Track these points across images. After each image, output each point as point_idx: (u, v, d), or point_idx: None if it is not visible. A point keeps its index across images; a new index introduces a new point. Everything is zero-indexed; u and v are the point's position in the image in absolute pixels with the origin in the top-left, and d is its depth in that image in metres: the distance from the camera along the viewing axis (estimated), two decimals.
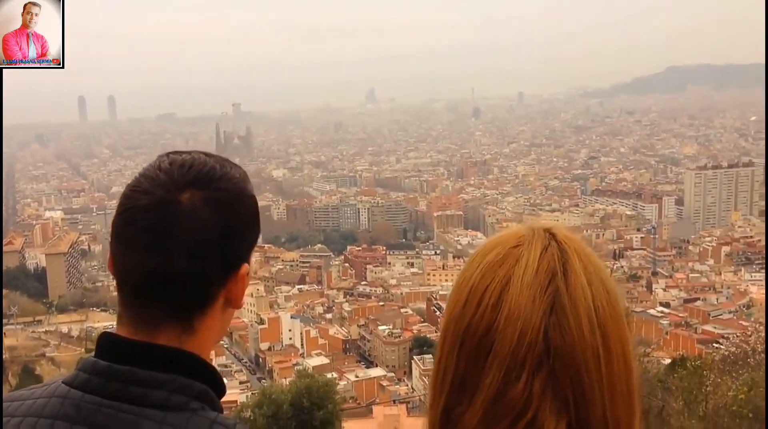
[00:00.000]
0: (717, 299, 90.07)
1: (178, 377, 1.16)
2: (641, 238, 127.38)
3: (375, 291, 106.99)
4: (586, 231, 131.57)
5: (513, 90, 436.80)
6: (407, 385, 76.37)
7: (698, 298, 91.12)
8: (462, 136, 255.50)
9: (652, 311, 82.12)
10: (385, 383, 73.02)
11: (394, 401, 65.57)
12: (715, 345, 39.56)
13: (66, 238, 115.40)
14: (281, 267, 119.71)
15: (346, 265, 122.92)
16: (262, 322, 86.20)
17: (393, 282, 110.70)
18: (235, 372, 74.49)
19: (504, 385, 1.02)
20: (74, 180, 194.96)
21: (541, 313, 1.02)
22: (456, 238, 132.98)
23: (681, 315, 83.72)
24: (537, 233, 1.10)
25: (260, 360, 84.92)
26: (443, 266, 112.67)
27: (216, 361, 64.10)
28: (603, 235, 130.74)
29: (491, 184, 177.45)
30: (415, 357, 78.97)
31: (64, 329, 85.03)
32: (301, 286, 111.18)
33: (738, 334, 19.41)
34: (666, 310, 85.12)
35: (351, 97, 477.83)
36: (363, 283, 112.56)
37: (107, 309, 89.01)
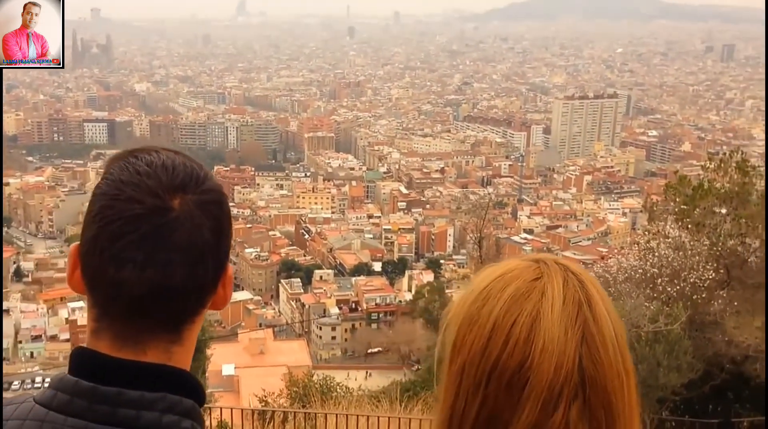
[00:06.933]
0: (577, 226, 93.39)
1: (168, 395, 1.10)
2: (509, 165, 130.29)
3: (242, 213, 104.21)
4: (457, 157, 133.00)
5: (389, 9, 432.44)
6: (274, 309, 75.68)
7: (560, 225, 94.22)
8: (336, 56, 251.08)
9: (516, 238, 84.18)
10: (251, 306, 71.52)
11: (260, 325, 64.41)
12: None
13: None
14: None
15: None
16: None
17: (261, 204, 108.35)
18: None
19: (542, 418, 1.03)
20: None
21: (574, 345, 1.04)
22: (327, 161, 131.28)
23: (543, 241, 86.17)
24: (551, 265, 1.11)
25: None
26: (313, 189, 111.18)
27: None
28: (473, 161, 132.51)
29: (364, 107, 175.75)
30: (282, 280, 77.97)
31: None
32: None
33: (601, 265, 18.96)
34: (529, 236, 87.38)
35: (219, 9, 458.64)
36: (230, 204, 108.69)
37: None
